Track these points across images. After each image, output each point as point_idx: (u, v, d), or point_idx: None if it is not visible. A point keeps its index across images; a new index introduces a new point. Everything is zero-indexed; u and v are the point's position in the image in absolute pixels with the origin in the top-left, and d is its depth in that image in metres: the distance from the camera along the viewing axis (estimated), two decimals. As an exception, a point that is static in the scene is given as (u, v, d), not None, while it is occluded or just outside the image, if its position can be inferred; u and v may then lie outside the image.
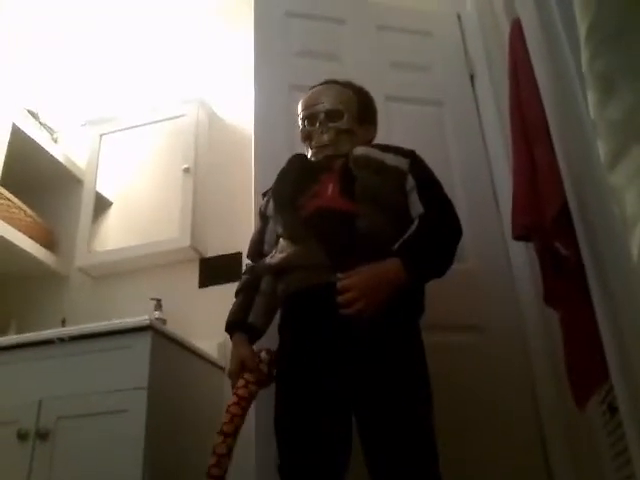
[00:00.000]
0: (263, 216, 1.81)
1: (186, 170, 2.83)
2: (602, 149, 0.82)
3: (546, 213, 1.49)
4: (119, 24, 3.39)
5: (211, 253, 2.76)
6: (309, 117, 1.78)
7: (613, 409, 1.50)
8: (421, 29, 2.60)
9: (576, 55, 1.24)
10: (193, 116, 2.97)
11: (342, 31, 2.54)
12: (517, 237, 1.67)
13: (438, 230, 1.58)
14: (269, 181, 1.85)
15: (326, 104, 1.76)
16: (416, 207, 1.61)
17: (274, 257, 1.64)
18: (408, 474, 1.34)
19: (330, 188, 1.65)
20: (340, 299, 1.43)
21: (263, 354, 1.59)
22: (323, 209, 1.61)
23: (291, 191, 1.70)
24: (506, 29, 2.00)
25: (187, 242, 2.68)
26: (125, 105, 3.25)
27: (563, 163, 1.47)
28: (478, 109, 2.46)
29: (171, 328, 2.22)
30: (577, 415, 1.66)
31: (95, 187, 3.01)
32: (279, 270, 1.61)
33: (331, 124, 1.73)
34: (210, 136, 3.03)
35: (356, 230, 1.53)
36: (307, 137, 1.79)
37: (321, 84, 1.84)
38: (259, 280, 1.68)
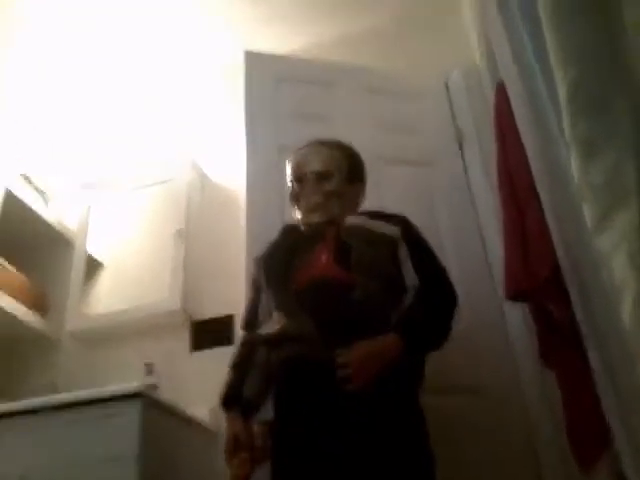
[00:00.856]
0: (256, 285, 1.78)
1: (178, 232, 2.83)
2: (587, 213, 0.83)
3: (538, 275, 1.49)
4: (112, 86, 3.44)
5: (202, 316, 2.72)
6: (298, 179, 1.78)
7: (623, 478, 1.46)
8: (411, 93, 2.65)
9: (560, 119, 1.26)
10: (185, 178, 2.99)
11: (332, 94, 2.59)
12: (510, 298, 1.67)
13: (435, 303, 1.57)
14: (261, 243, 1.85)
15: (315, 165, 1.76)
16: (410, 276, 1.60)
17: (269, 328, 1.62)
18: None
19: (324, 258, 1.64)
20: (339, 374, 1.41)
21: (256, 427, 1.57)
22: (317, 279, 1.60)
23: (283, 266, 1.68)
24: (491, 94, 2.05)
25: (178, 305, 2.65)
26: (117, 168, 3.27)
27: (553, 226, 1.48)
28: (467, 172, 2.49)
29: (163, 393, 2.17)
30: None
31: (86, 249, 3.00)
32: (273, 342, 1.59)
33: (320, 185, 1.74)
34: (202, 198, 3.04)
35: (352, 300, 1.52)
36: (296, 199, 1.78)
37: (309, 145, 1.84)
38: (254, 352, 1.66)
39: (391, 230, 1.67)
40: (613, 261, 0.76)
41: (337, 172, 1.76)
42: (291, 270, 1.65)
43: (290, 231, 1.79)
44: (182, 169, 3.03)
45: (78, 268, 2.95)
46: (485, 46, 2.21)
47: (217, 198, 3.04)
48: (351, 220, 1.72)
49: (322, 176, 1.74)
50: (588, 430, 1.43)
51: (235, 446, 1.53)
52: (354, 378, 1.41)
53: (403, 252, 1.64)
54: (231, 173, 2.98)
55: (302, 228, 1.75)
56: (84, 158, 3.40)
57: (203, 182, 3.10)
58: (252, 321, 1.74)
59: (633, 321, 0.69)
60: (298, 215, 1.77)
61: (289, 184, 1.81)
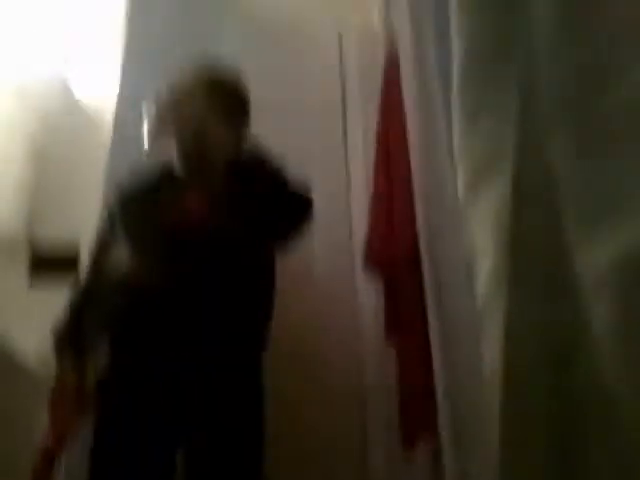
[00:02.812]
0: (112, 219, 1.62)
1: (30, 150, 2.58)
2: (460, 175, 0.81)
3: (398, 249, 1.50)
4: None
5: (47, 246, 2.48)
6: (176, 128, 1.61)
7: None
8: (302, 46, 2.59)
9: (445, 87, 1.27)
10: (44, 90, 2.73)
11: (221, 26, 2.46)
12: (368, 266, 1.67)
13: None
14: (122, 171, 1.72)
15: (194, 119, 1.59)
16: None
17: (118, 268, 1.49)
18: None
19: (196, 199, 1.51)
20: None
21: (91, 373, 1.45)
22: (189, 221, 1.48)
23: (148, 206, 1.56)
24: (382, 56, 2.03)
25: (19, 228, 2.42)
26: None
27: (418, 197, 1.49)
28: (346, 130, 2.45)
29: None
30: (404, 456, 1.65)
31: None
32: (121, 286, 1.46)
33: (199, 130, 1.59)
34: (61, 113, 2.76)
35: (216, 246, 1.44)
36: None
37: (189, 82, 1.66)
38: (98, 293, 1.53)
39: None
40: (478, 227, 0.75)
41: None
42: (155, 213, 1.52)
43: (162, 171, 1.65)
44: (43, 81, 2.75)
45: None
46: (385, 10, 2.19)
47: (81, 117, 2.80)
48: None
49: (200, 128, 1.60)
50: (416, 409, 1.47)
51: (61, 395, 1.42)
52: None
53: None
54: (101, 94, 2.76)
55: (174, 168, 1.63)
56: None
57: (66, 97, 2.84)
58: (100, 257, 1.59)
59: (487, 287, 0.68)
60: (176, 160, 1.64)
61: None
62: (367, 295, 2.05)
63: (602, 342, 0.49)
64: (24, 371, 2.11)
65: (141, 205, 1.59)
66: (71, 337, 1.50)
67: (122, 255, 1.50)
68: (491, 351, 0.68)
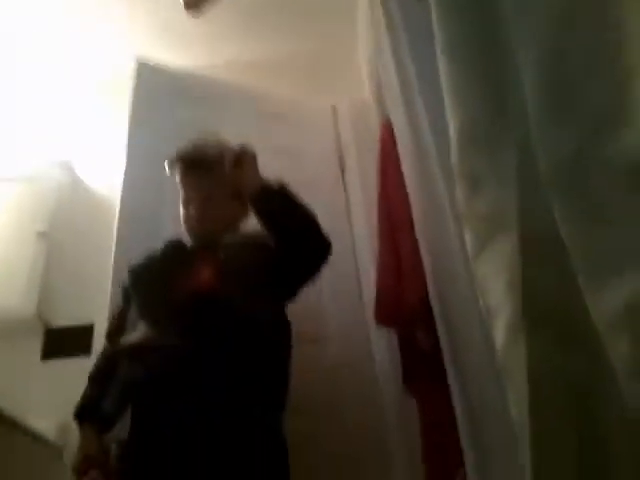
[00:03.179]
0: (126, 295, 1.69)
1: (40, 234, 2.65)
2: (469, 239, 0.86)
3: (408, 302, 1.54)
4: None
5: (60, 323, 2.55)
6: (187, 195, 1.73)
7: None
8: (297, 119, 2.69)
9: (441, 155, 1.32)
10: (54, 178, 2.83)
11: (221, 113, 2.56)
12: (379, 323, 1.71)
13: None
14: (131, 252, 1.78)
15: (204, 186, 1.71)
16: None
17: (131, 336, 1.54)
18: None
19: (203, 272, 1.59)
20: None
21: (113, 447, 1.47)
22: (193, 292, 1.54)
23: (158, 278, 1.62)
24: (377, 128, 2.13)
25: (32, 310, 2.47)
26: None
27: (425, 255, 1.54)
28: (347, 200, 2.54)
29: (4, 403, 1.98)
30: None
31: None
32: (135, 352, 1.51)
33: (207, 202, 1.70)
34: (72, 201, 2.87)
35: (224, 312, 1.48)
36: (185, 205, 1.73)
37: (195, 157, 1.75)
38: (116, 364, 1.56)
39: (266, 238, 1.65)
40: (490, 286, 0.79)
41: (222, 188, 1.72)
42: (166, 283, 1.58)
43: (171, 245, 1.75)
44: (53, 170, 2.86)
45: None
46: (375, 81, 2.29)
47: (89, 204, 2.90)
48: (230, 238, 1.71)
49: (208, 198, 1.71)
50: (441, 457, 1.48)
51: (86, 464, 1.43)
52: None
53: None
54: (107, 179, 2.86)
55: (184, 242, 1.72)
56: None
57: (75, 185, 2.94)
58: (117, 331, 1.63)
59: (505, 341, 0.72)
60: (185, 230, 1.73)
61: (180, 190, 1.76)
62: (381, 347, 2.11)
63: (622, 381, 0.53)
64: (43, 442, 2.13)
65: (152, 276, 1.65)
66: (92, 408, 1.52)
67: (137, 326, 1.55)
68: (516, 405, 0.70)
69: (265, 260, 1.59)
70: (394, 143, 1.85)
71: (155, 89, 2.49)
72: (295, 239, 1.57)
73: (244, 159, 1.68)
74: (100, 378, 1.58)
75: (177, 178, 1.75)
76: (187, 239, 1.75)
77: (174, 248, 1.74)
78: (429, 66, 1.12)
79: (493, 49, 0.93)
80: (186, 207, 1.72)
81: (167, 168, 1.77)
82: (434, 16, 0.98)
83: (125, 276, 1.73)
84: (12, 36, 2.99)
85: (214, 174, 1.69)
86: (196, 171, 1.71)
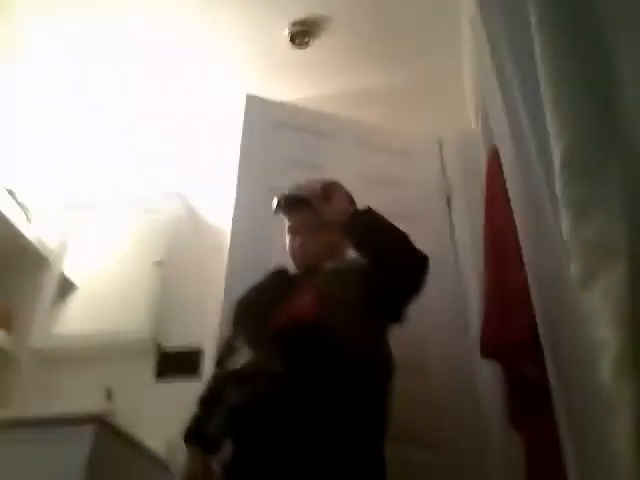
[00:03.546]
0: (234, 322, 1.75)
1: (157, 263, 2.81)
2: (575, 269, 0.83)
3: (516, 335, 1.49)
4: (110, 108, 3.47)
5: (172, 347, 2.68)
6: (292, 224, 1.82)
7: None
8: (403, 149, 2.70)
9: (549, 182, 1.28)
10: (171, 210, 3.01)
11: (326, 144, 2.64)
12: (485, 355, 1.66)
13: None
14: (240, 282, 1.85)
15: (306, 218, 1.79)
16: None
17: (236, 363, 1.58)
18: None
19: (304, 299, 1.61)
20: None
21: (218, 468, 1.50)
22: (294, 319, 1.56)
23: (261, 306, 1.67)
24: (483, 158, 2.10)
25: (147, 333, 2.62)
26: (103, 192, 3.27)
27: (534, 286, 1.49)
28: (452, 230, 2.51)
29: (120, 420, 2.10)
30: None
31: (61, 269, 2.97)
32: (239, 377, 1.55)
33: (312, 236, 1.78)
34: (186, 232, 3.03)
35: (325, 341, 1.49)
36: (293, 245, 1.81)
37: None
38: (222, 388, 1.60)
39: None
40: (595, 319, 0.76)
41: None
42: (269, 310, 1.62)
43: (276, 273, 1.81)
44: (170, 201, 3.04)
45: (50, 287, 2.91)
46: (482, 111, 2.27)
47: (202, 234, 3.04)
48: (330, 265, 1.74)
49: (312, 228, 1.79)
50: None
51: None
52: None
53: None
54: (219, 211, 2.99)
55: (289, 270, 1.78)
56: (71, 179, 3.40)
57: (190, 216, 3.10)
58: (225, 357, 1.69)
59: (612, 377, 0.69)
60: (292, 261, 1.81)
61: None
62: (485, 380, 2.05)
63: None
64: (155, 459, 2.22)
65: (257, 303, 1.70)
66: (199, 430, 1.58)
67: (242, 353, 1.59)
68: (623, 443, 0.67)
69: (363, 282, 1.61)
70: (501, 171, 1.82)
71: (263, 121, 2.60)
72: (386, 252, 1.58)
73: (330, 193, 1.73)
74: (208, 401, 1.63)
75: (282, 214, 1.85)
76: (292, 267, 1.81)
77: (278, 275, 1.80)
78: (534, 85, 1.10)
79: (598, 61, 0.90)
80: (292, 237, 1.82)
81: (273, 207, 1.86)
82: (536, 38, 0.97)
83: (234, 305, 1.80)
84: (132, 68, 3.22)
85: (313, 207, 1.77)
86: (296, 205, 1.80)
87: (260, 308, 1.67)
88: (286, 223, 1.85)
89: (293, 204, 1.81)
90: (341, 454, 1.39)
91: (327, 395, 1.44)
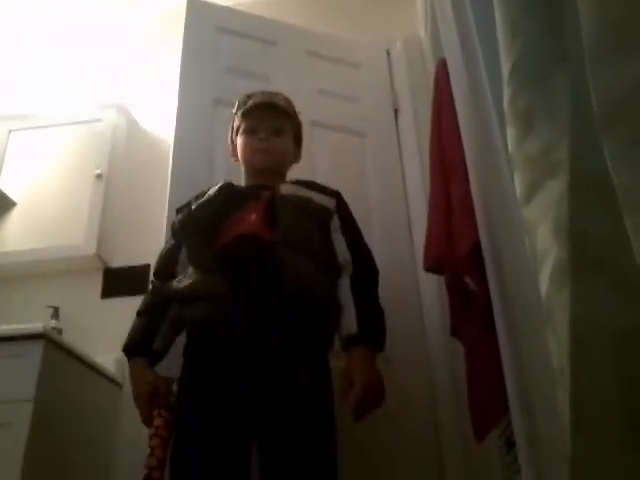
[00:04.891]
0: (176, 234, 1.70)
1: (98, 176, 2.72)
2: (518, 183, 0.84)
3: (458, 248, 1.52)
4: (41, 18, 3.25)
5: (118, 263, 2.65)
6: (256, 124, 1.73)
7: (511, 444, 1.53)
8: (350, 60, 2.64)
9: (496, 95, 1.28)
10: (111, 121, 2.88)
11: (272, 52, 2.54)
12: (428, 269, 1.69)
13: (375, 296, 1.59)
14: (184, 194, 1.81)
15: (275, 122, 1.74)
16: (341, 249, 1.60)
17: (181, 282, 1.53)
18: None
19: (253, 216, 1.57)
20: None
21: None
22: (243, 236, 1.53)
23: (209, 221, 1.60)
24: (432, 68, 2.06)
25: (92, 250, 2.57)
26: (39, 103, 3.11)
27: (478, 200, 1.51)
28: (399, 142, 2.50)
29: (67, 339, 2.09)
30: (476, 447, 1.68)
31: (-2, 185, 2.84)
32: (184, 298, 1.52)
33: (277, 139, 1.72)
34: (128, 143, 2.93)
35: (277, 260, 1.47)
36: (247, 148, 1.74)
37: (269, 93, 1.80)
38: (166, 303, 1.58)
39: (326, 201, 1.67)
40: (538, 229, 0.77)
41: (291, 129, 1.77)
42: (217, 226, 1.57)
43: (224, 188, 1.71)
44: (109, 111, 2.91)
45: (-14, 204, 2.79)
46: (431, 21, 2.22)
47: (144, 144, 2.95)
48: (286, 188, 1.67)
49: (277, 132, 1.73)
50: (488, 402, 1.47)
51: (152, 394, 1.46)
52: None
53: (335, 224, 1.65)
54: (161, 121, 2.90)
55: (235, 185, 1.72)
56: (3, 90, 3.21)
57: (130, 127, 2.99)
58: (165, 271, 1.65)
59: (550, 286, 0.70)
60: (247, 164, 1.75)
61: (237, 122, 1.79)
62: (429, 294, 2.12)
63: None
64: (105, 375, 2.25)
65: (201, 221, 1.63)
66: (142, 343, 1.55)
67: (187, 270, 1.56)
68: (558, 345, 0.69)
69: (324, 228, 1.63)
70: (448, 82, 1.79)
71: (207, 26, 2.47)
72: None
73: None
74: (151, 315, 1.60)
75: (242, 112, 1.76)
76: (241, 177, 1.76)
77: (224, 191, 1.70)
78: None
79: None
80: (251, 136, 1.73)
81: (236, 105, 1.80)
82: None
83: (174, 216, 1.75)
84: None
85: (285, 118, 1.75)
86: (269, 109, 1.74)
87: (203, 225, 1.61)
88: (246, 119, 1.75)
89: (268, 105, 1.75)
90: (295, 370, 1.41)
91: (281, 311, 1.45)
